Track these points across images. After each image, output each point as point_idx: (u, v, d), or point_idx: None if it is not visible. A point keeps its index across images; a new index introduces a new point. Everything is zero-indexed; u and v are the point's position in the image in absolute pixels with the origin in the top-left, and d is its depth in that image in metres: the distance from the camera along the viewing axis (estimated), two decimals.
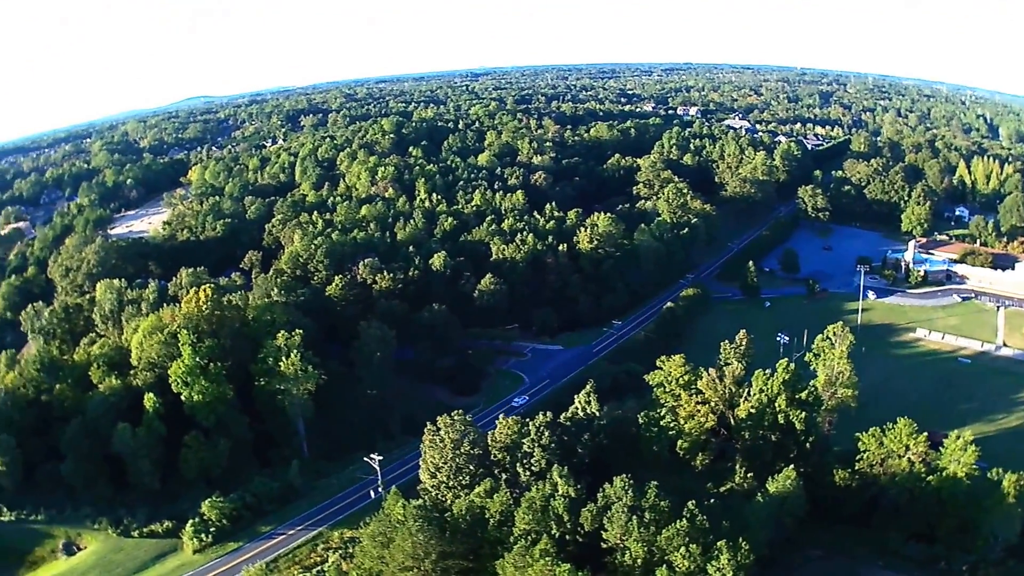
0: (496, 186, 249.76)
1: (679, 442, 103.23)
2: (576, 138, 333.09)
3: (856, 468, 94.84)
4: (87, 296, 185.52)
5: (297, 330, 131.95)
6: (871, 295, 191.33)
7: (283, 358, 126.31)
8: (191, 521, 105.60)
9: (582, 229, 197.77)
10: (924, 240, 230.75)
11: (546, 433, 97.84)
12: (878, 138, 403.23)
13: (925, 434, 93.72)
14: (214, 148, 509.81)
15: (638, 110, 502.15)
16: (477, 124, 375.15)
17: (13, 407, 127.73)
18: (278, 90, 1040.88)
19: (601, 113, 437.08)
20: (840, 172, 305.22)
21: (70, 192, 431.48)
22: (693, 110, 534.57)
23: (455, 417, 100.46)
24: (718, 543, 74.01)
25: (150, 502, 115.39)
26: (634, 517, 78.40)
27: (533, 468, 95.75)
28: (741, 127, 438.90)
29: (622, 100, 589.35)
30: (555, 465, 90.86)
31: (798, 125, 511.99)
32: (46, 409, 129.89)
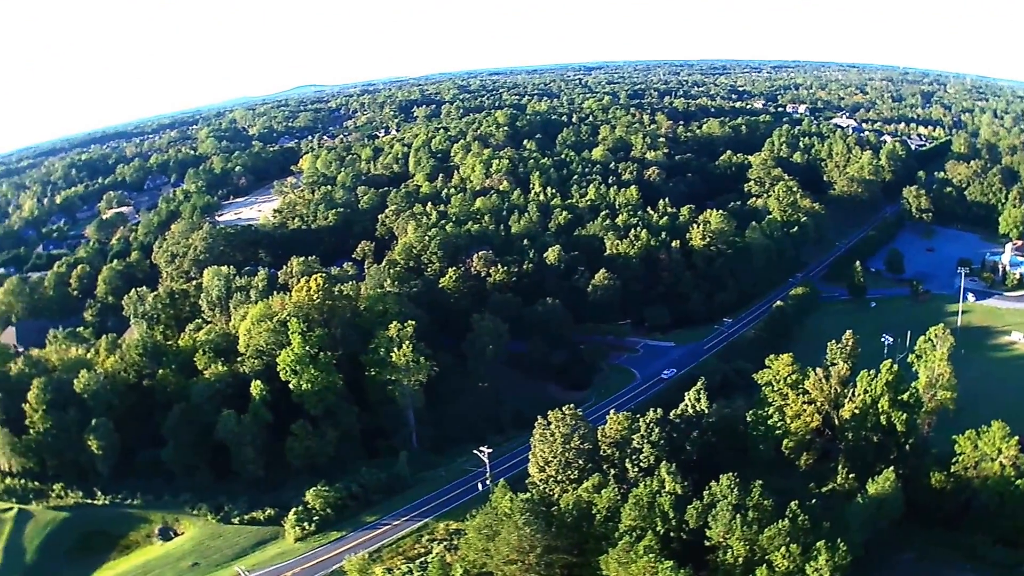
0: (610, 181, 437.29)
1: (785, 441, 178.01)
2: (688, 134, 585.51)
3: (951, 471, 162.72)
4: (193, 282, 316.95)
5: (410, 321, 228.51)
6: (971, 297, 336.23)
7: (395, 349, 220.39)
8: (294, 509, 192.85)
9: (695, 226, 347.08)
10: (1021, 243, 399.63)
11: (656, 430, 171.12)
12: (977, 139, 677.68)
13: (1016, 438, 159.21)
14: (325, 137, 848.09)
15: (748, 107, 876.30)
16: (591, 118, 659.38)
17: (112, 391, 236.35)
18: (390, 80, 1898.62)
19: (713, 109, 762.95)
20: (942, 173, 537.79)
21: (175, 178, 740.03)
22: (802, 108, 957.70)
23: (566, 411, 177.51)
24: (818, 543, 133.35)
25: (252, 490, 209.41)
26: (738, 516, 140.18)
27: (641, 464, 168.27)
28: (848, 126, 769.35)
29: (733, 97, 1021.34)
30: (663, 462, 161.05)
31: (902, 125, 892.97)
32: (147, 394, 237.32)
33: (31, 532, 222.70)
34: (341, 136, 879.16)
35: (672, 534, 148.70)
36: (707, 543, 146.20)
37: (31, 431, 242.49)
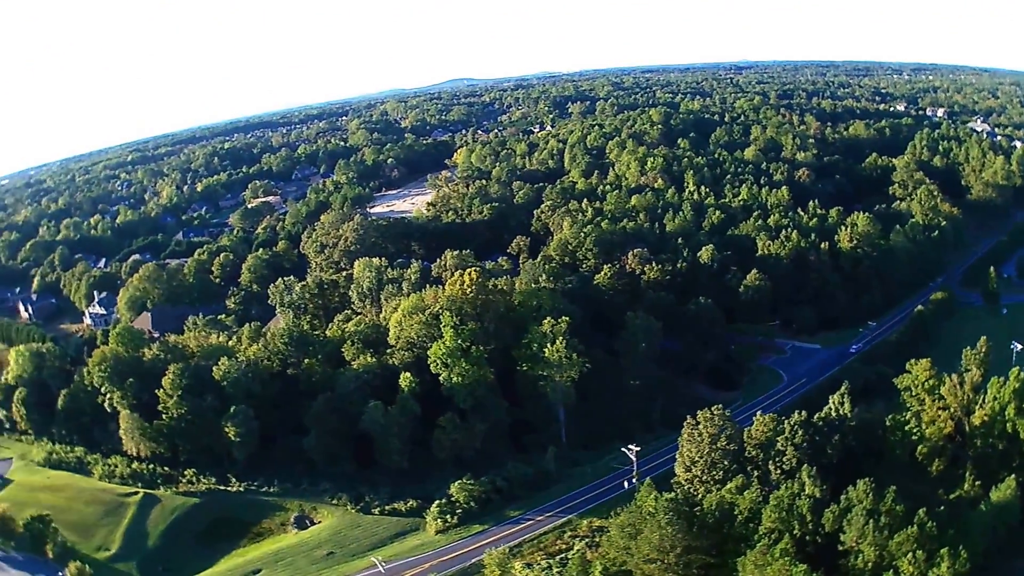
0: (762, 181, 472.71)
1: (919, 447, 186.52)
2: (836, 135, 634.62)
3: None
4: (343, 273, 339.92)
5: (564, 317, 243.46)
6: None
7: (548, 344, 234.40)
8: (437, 502, 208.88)
9: (843, 228, 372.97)
10: None
11: (799, 432, 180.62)
12: None
13: None
14: (479, 131, 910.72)
15: (891, 110, 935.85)
16: (742, 118, 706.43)
17: (255, 379, 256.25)
18: (543, 75, 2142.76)
19: (858, 111, 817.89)
20: None
21: (325, 169, 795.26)
22: (940, 111, 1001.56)
23: (714, 411, 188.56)
24: (941, 550, 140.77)
25: (395, 481, 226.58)
26: (871, 521, 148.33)
27: (784, 466, 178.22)
28: (983, 130, 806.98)
29: (876, 99, 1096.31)
30: (805, 465, 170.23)
31: None
32: (291, 383, 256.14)
33: (156, 517, 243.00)
34: (496, 131, 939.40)
35: (808, 537, 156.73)
36: (840, 547, 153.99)
37: (164, 416, 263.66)
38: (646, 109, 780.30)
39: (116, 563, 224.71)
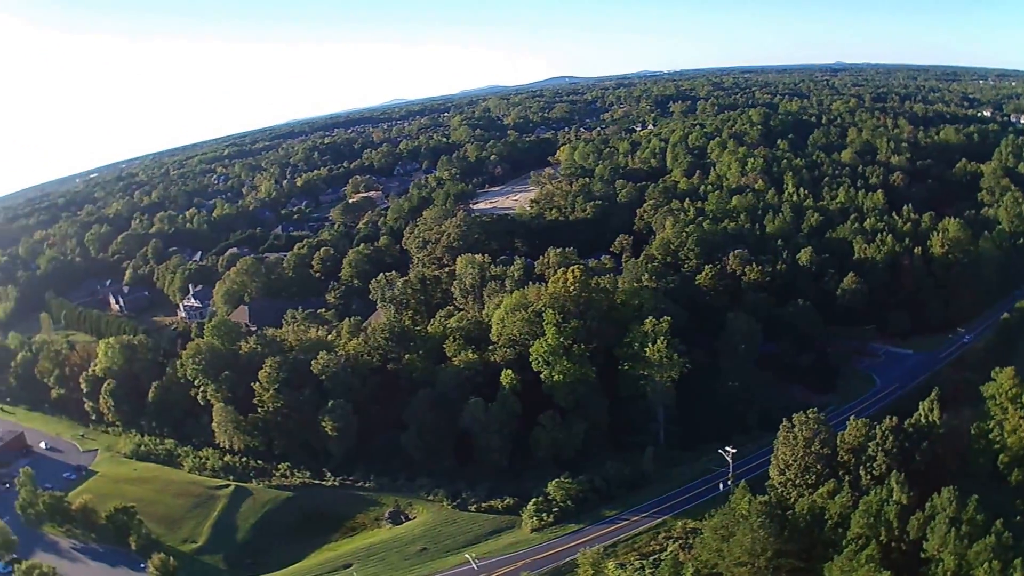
0: (858, 184, 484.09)
1: (1000, 456, 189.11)
2: (927, 140, 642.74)
3: None
4: (446, 269, 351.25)
5: (665, 317, 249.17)
6: None
7: (649, 344, 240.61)
8: (534, 500, 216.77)
9: (935, 233, 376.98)
10: None
11: (890, 438, 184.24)
12: None
13: None
14: (582, 129, 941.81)
15: (979, 115, 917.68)
16: (838, 120, 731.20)
17: (354, 374, 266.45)
18: (644, 74, 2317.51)
19: (948, 116, 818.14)
20: None
21: (427, 165, 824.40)
22: None
23: (810, 415, 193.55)
24: (1015, 560, 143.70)
25: (492, 478, 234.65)
26: (953, 529, 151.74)
27: (874, 472, 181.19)
28: None
29: (964, 104, 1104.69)
30: (894, 471, 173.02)
31: None
32: (391, 378, 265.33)
33: (247, 510, 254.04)
34: (598, 129, 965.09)
35: (893, 544, 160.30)
36: (923, 555, 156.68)
37: (259, 410, 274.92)
38: (746, 109, 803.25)
39: (202, 555, 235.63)
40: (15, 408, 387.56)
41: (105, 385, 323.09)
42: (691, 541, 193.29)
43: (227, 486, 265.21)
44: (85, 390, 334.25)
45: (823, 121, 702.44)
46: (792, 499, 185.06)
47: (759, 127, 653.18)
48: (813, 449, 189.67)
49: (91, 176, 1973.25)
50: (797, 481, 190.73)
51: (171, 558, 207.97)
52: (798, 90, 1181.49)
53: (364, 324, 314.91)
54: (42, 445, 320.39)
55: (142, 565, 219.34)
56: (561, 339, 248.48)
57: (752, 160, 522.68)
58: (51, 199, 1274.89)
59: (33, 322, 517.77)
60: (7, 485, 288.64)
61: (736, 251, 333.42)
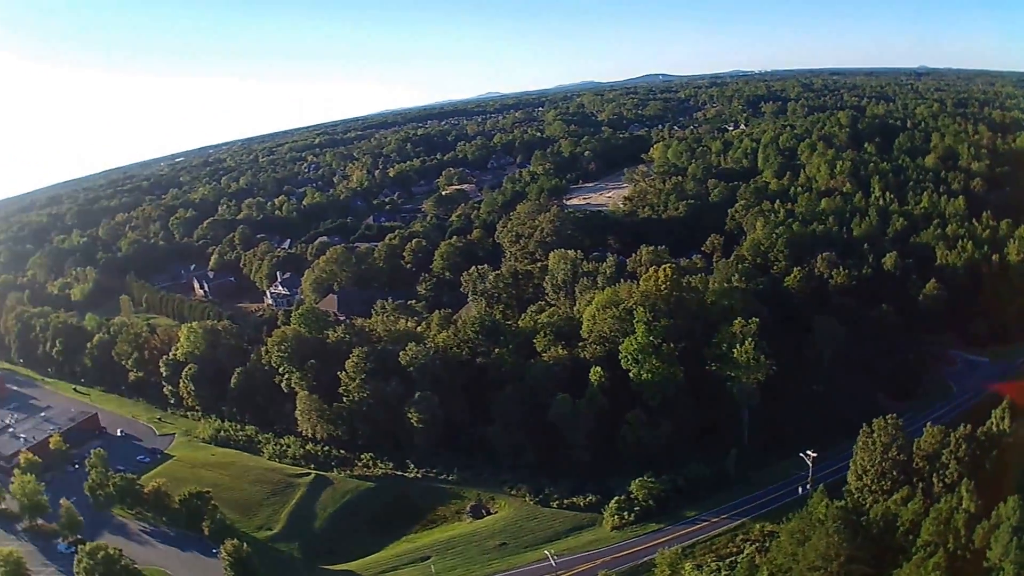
0: (940, 189, 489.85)
1: None
2: (1006, 146, 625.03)
3: None
4: (538, 264, 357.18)
5: (754, 318, 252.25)
6: None
7: (737, 345, 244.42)
8: (616, 498, 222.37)
9: (1011, 241, 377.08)
10: None
11: (963, 446, 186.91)
12: None
13: None
14: (675, 128, 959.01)
15: None
16: (922, 124, 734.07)
17: (442, 366, 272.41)
18: (735, 73, 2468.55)
19: None
20: None
21: (521, 159, 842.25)
22: None
23: (888, 420, 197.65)
24: None
25: (576, 475, 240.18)
26: (1015, 539, 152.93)
27: (946, 480, 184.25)
28: None
29: None
30: (964, 479, 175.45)
31: None
32: (479, 372, 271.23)
33: (326, 499, 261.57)
34: (691, 127, 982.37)
35: (959, 552, 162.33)
36: (985, 563, 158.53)
37: (344, 399, 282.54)
38: (834, 112, 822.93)
39: (278, 543, 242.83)
40: (89, 389, 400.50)
41: (186, 369, 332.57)
42: (768, 544, 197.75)
43: (307, 474, 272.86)
44: (165, 374, 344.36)
45: (908, 125, 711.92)
46: (867, 505, 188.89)
47: (847, 129, 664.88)
48: (890, 455, 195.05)
49: (176, 160, 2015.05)
50: (873, 487, 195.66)
51: (245, 544, 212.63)
52: (884, 93, 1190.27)
53: (454, 317, 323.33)
54: (118, 432, 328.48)
55: (214, 550, 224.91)
56: (651, 338, 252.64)
57: (840, 163, 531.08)
58: (134, 181, 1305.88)
59: (111, 304, 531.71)
60: (76, 466, 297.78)
61: (824, 254, 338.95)
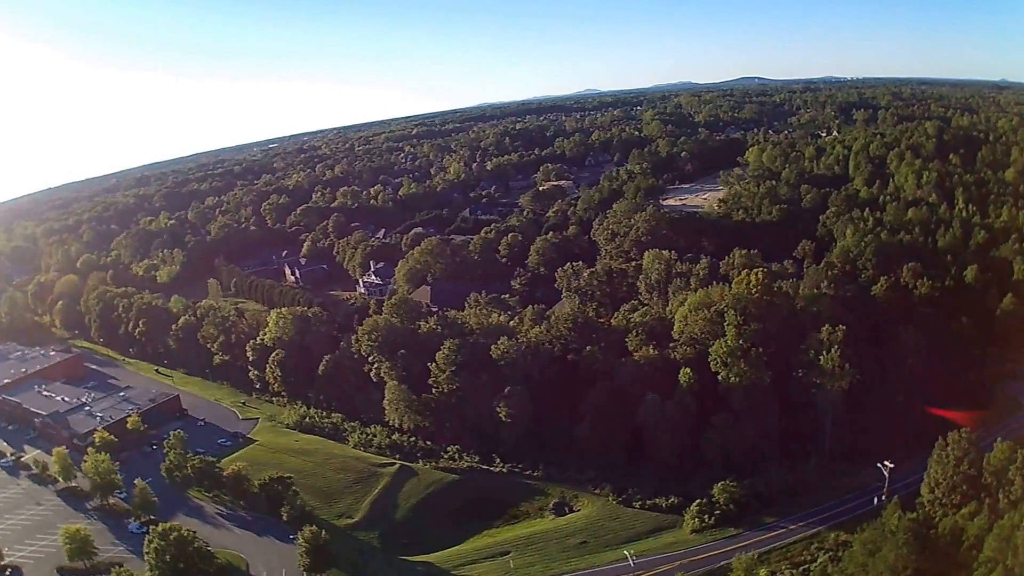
0: (1020, 204, 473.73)
1: None
2: None
3: None
4: (633, 263, 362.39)
5: (840, 326, 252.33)
6: None
7: (824, 352, 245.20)
8: (697, 501, 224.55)
9: None
10: None
11: None
12: None
13: None
14: (770, 131, 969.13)
15: None
16: (1004, 138, 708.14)
17: (534, 362, 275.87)
18: (828, 79, 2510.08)
19: None
20: None
21: (619, 157, 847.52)
22: None
23: (962, 434, 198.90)
24: None
25: (660, 476, 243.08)
26: None
27: (1011, 496, 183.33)
28: None
29: None
30: None
31: None
32: (570, 369, 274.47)
33: (410, 490, 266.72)
34: (786, 132, 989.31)
35: (1017, 571, 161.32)
36: None
37: (433, 391, 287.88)
38: (922, 122, 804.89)
39: (357, 532, 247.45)
40: (172, 371, 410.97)
41: (273, 355, 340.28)
42: (840, 554, 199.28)
43: (391, 464, 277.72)
44: (251, 358, 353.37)
45: (990, 138, 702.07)
46: (937, 518, 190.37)
47: (933, 140, 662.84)
48: (961, 469, 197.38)
49: (270, 146, 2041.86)
50: (944, 500, 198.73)
51: (323, 531, 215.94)
52: (968, 105, 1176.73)
53: (547, 312, 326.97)
54: (199, 422, 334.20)
55: (292, 536, 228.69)
56: (740, 341, 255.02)
57: (927, 173, 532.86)
58: (226, 166, 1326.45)
59: (197, 288, 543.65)
60: (154, 446, 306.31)
61: (909, 264, 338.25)
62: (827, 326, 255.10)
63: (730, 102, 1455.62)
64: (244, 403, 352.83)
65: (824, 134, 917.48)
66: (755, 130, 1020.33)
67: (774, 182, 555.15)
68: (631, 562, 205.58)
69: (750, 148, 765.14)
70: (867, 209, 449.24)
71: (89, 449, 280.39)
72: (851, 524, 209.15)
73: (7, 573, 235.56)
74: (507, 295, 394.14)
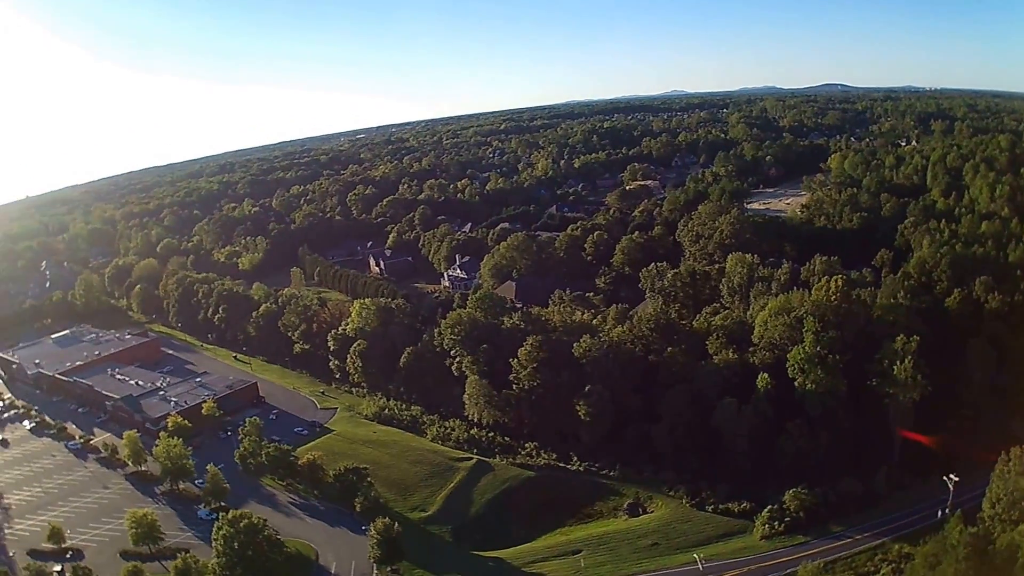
0: None
1: None
2: None
3: None
4: (716, 266, 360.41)
5: (915, 336, 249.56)
6: None
7: (897, 362, 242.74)
8: (768, 507, 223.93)
9: None
10: None
11: None
12: None
13: None
14: (852, 139, 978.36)
15: None
16: None
17: (615, 361, 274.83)
18: (908, 88, 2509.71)
19: None
20: None
21: (704, 159, 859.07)
22: None
23: (1022, 450, 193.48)
24: None
25: (733, 480, 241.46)
26: None
27: None
28: None
29: None
30: None
31: None
32: (650, 370, 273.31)
33: (485, 485, 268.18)
34: (867, 140, 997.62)
35: None
36: None
37: (514, 387, 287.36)
38: (995, 135, 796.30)
39: (430, 525, 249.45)
40: (251, 359, 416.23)
41: (355, 345, 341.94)
42: (903, 566, 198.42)
43: (469, 459, 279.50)
44: (332, 348, 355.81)
45: None
46: (996, 534, 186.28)
47: (1007, 153, 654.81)
48: (1021, 485, 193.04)
49: (358, 136, 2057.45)
50: (1003, 516, 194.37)
51: (396, 524, 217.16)
52: None
53: (631, 312, 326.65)
54: (271, 415, 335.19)
55: (364, 528, 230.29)
56: (818, 348, 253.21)
57: (1000, 187, 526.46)
58: (312, 155, 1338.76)
59: (279, 276, 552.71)
60: (229, 433, 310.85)
61: (982, 277, 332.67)
62: (902, 336, 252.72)
63: (813, 108, 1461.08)
64: (323, 392, 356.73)
65: (903, 143, 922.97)
66: (837, 137, 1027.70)
67: (855, 189, 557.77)
68: (700, 566, 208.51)
69: (832, 155, 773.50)
70: (943, 220, 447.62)
71: (161, 434, 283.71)
72: (915, 536, 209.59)
73: (68, 556, 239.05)
74: (591, 293, 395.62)
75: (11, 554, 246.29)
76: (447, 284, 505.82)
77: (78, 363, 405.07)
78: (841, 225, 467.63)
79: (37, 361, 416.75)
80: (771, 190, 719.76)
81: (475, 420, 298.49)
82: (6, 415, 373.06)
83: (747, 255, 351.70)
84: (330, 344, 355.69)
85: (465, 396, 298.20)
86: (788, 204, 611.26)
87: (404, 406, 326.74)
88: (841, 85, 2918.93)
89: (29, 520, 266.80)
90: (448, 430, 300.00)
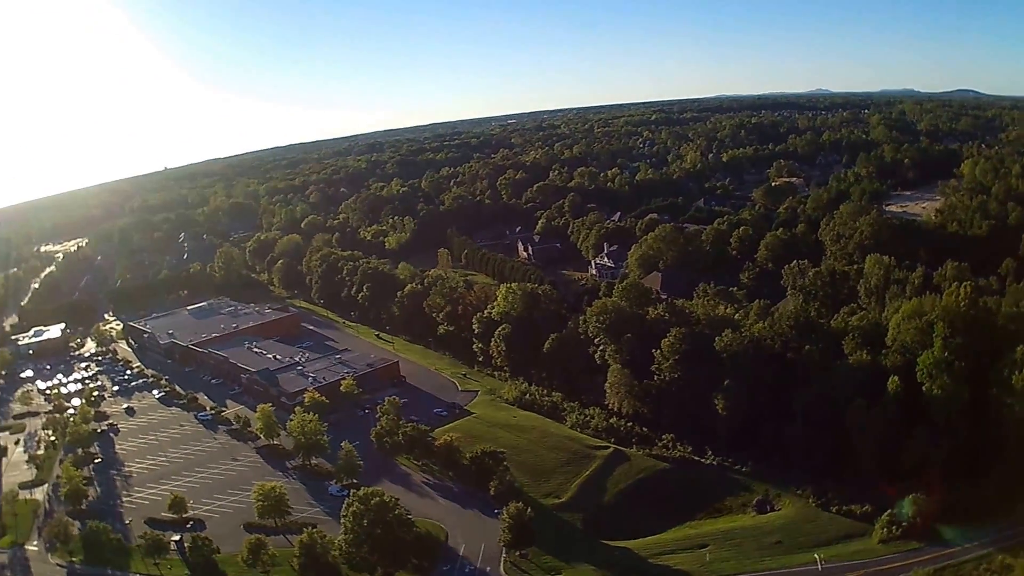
0: None
1: None
2: None
3: None
4: (855, 266, 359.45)
5: None
6: None
7: (1016, 372, 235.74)
8: (888, 511, 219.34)
9: None
10: None
11: None
12: None
13: None
14: (983, 145, 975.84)
15: None
16: None
17: (755, 357, 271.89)
18: None
19: None
20: None
21: (846, 159, 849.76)
22: None
23: None
24: None
25: (858, 483, 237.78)
26: None
27: None
28: None
29: None
30: None
31: None
32: (787, 367, 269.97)
33: (620, 475, 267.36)
34: (996, 147, 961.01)
35: None
36: None
37: (655, 378, 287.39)
38: None
39: (563, 512, 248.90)
40: (393, 338, 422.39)
41: (500, 329, 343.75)
42: None
43: (606, 448, 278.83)
44: (476, 331, 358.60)
45: None
46: None
47: None
48: None
49: (509, 122, 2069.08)
50: None
51: (529, 509, 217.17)
52: None
53: (772, 308, 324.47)
54: (411, 397, 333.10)
55: (496, 511, 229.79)
56: (946, 354, 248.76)
57: None
58: (462, 138, 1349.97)
59: (425, 256, 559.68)
60: (367, 410, 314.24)
61: None
62: (1022, 347, 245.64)
63: (948, 112, 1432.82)
64: (465, 375, 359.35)
65: None
66: (970, 143, 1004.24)
67: (985, 196, 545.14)
68: (819, 566, 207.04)
69: (965, 160, 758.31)
70: None
71: (297, 408, 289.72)
72: (1020, 548, 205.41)
73: (188, 525, 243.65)
74: (735, 288, 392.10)
75: (127, 521, 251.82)
76: (594, 272, 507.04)
77: (214, 335, 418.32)
78: (972, 231, 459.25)
79: (171, 331, 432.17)
80: (908, 193, 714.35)
81: (615, 409, 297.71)
82: (134, 384, 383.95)
83: (885, 257, 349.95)
84: (475, 327, 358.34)
85: (607, 384, 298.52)
86: (924, 208, 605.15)
87: (545, 392, 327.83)
88: (973, 91, 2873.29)
89: (151, 488, 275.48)
90: (588, 418, 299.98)
